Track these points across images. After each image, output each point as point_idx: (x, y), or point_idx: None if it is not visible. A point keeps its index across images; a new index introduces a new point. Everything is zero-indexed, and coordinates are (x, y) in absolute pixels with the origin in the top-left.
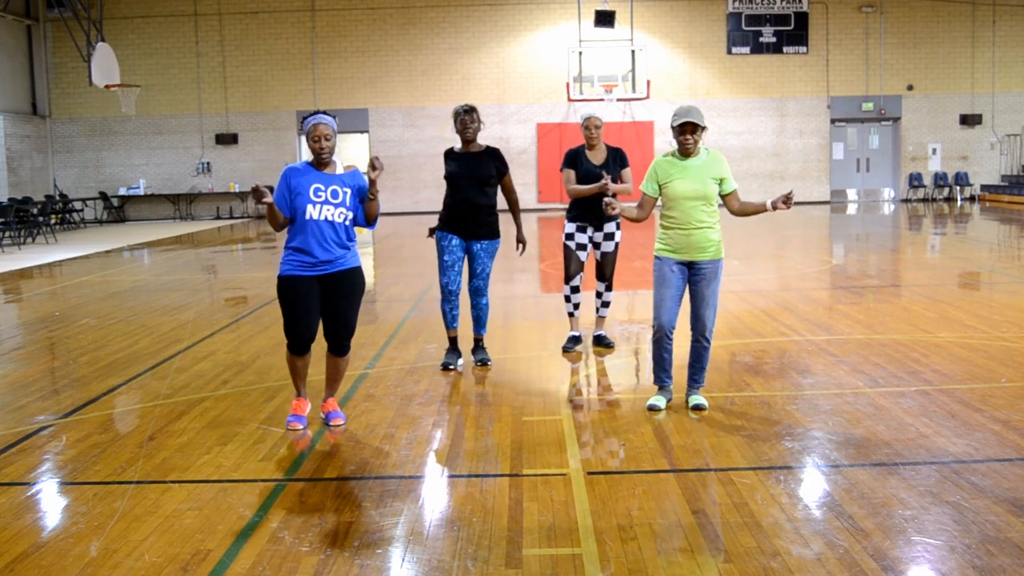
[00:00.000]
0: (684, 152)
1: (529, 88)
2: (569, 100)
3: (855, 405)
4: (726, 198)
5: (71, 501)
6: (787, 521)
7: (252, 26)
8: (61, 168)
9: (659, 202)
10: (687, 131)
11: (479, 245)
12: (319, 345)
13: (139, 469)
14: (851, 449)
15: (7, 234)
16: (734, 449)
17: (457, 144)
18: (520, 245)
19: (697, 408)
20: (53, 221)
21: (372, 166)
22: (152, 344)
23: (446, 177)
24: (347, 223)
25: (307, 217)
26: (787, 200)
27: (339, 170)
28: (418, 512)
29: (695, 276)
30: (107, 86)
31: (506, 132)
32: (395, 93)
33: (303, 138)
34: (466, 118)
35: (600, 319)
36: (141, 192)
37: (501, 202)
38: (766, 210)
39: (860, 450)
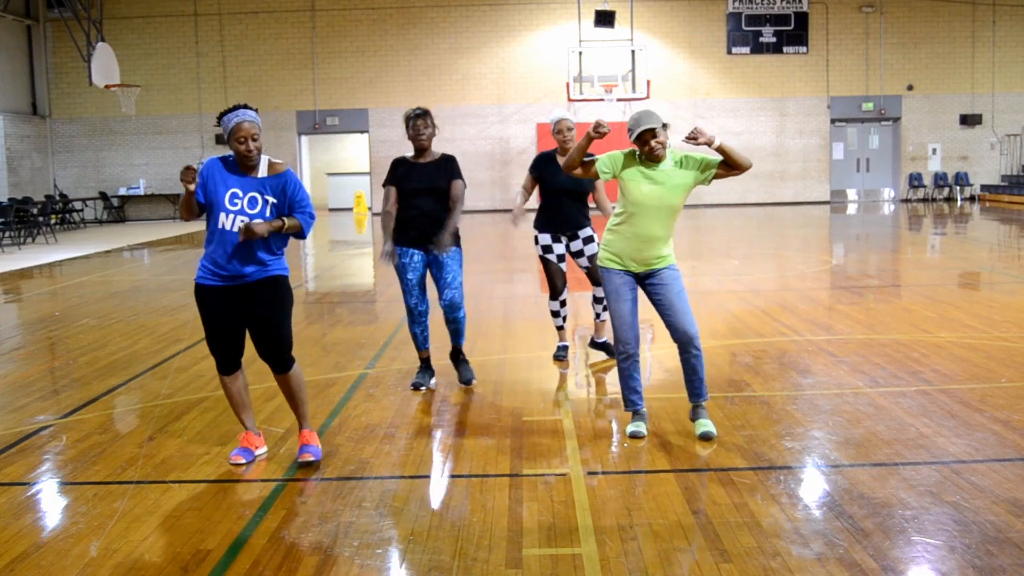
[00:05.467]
0: (653, 159)
1: (529, 88)
2: (569, 100)
3: (855, 405)
4: (721, 168)
5: (71, 501)
6: (787, 521)
7: (252, 26)
8: (61, 168)
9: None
10: (647, 139)
11: (446, 254)
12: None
13: (139, 469)
14: (851, 449)
15: (7, 234)
16: (734, 449)
17: (409, 152)
18: (438, 244)
19: (706, 437)
20: (53, 221)
21: (248, 235)
22: (152, 344)
23: (392, 185)
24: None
25: (219, 226)
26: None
27: (263, 171)
28: (418, 512)
29: (653, 286)
30: (107, 86)
31: (506, 132)
32: (395, 93)
33: (302, 138)
34: (419, 123)
35: (601, 323)
36: (141, 192)
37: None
38: (723, 147)
39: (860, 450)
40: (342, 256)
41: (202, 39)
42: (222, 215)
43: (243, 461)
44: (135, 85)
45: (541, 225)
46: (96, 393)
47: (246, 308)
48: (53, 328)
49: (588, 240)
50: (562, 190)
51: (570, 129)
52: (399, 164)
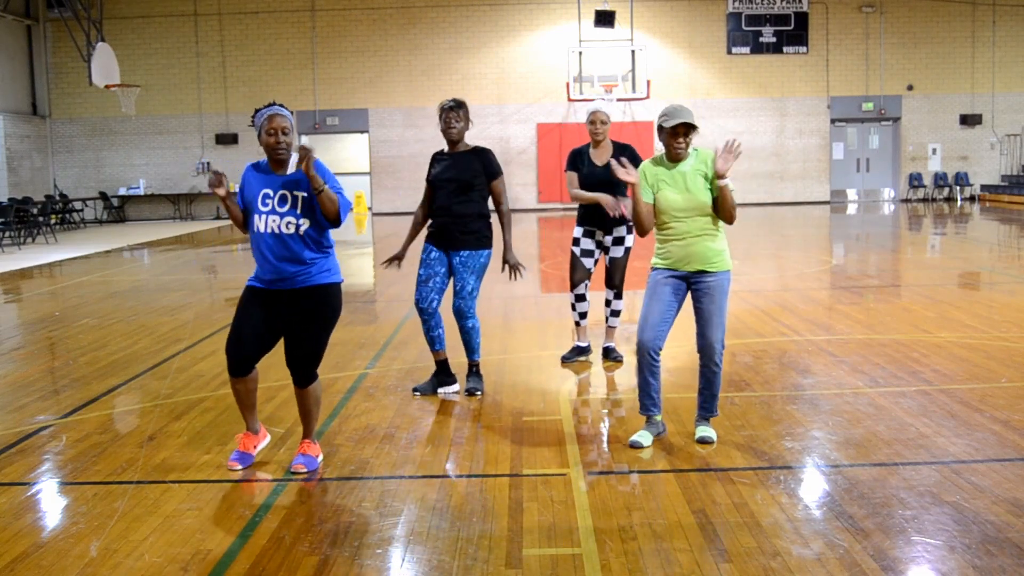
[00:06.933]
0: (673, 157)
1: (529, 88)
2: (569, 100)
3: (855, 405)
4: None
5: (71, 501)
6: (787, 521)
7: (252, 26)
8: (61, 168)
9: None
10: (680, 133)
11: (459, 257)
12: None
13: (139, 469)
14: (851, 449)
15: (7, 234)
16: (734, 449)
17: (446, 146)
18: (508, 268)
19: (703, 441)
20: (53, 221)
21: (300, 157)
22: (152, 344)
23: (428, 181)
24: (301, 233)
25: (255, 229)
26: (728, 152)
27: (291, 168)
28: (418, 512)
29: (697, 291)
30: (107, 86)
31: (506, 132)
32: (395, 93)
33: (303, 138)
34: (451, 115)
35: (610, 329)
36: (141, 192)
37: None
38: (725, 188)
39: (860, 450)
40: (342, 256)
41: (202, 39)
42: (255, 217)
43: (239, 467)
44: (135, 85)
45: (579, 218)
46: (96, 393)
47: (285, 313)
48: (53, 328)
49: (618, 241)
50: (596, 185)
51: (604, 123)
52: (434, 158)
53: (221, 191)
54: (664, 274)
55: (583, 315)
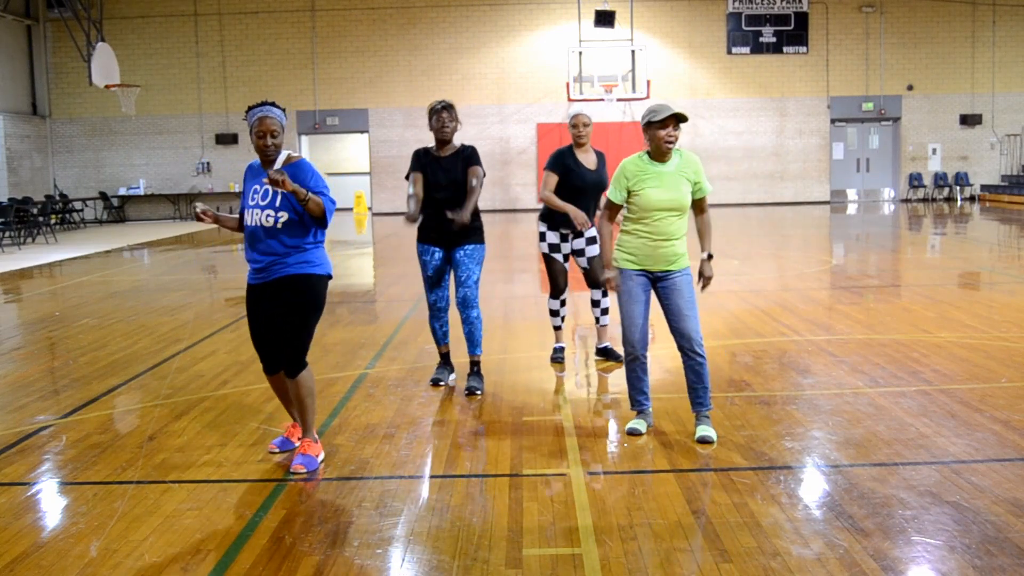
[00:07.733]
0: (662, 152)
1: (529, 88)
2: (569, 100)
3: (855, 405)
4: (697, 202)
5: (71, 501)
6: (787, 521)
7: (252, 26)
8: (61, 168)
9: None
10: (669, 124)
11: (463, 251)
12: None
13: (139, 469)
14: (851, 449)
15: (7, 234)
16: (734, 449)
17: (431, 144)
18: (455, 220)
19: (703, 441)
20: (53, 221)
21: (272, 182)
22: (152, 344)
23: (417, 171)
24: (279, 226)
25: (246, 222)
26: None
27: (278, 165)
28: (418, 512)
29: (665, 289)
30: (107, 86)
31: (506, 132)
32: (395, 93)
33: (303, 138)
34: (444, 115)
35: (602, 329)
36: (141, 192)
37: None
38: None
39: (860, 450)
40: (342, 256)
41: (202, 39)
42: (245, 212)
43: (277, 451)
44: (135, 85)
45: (552, 223)
46: (96, 393)
47: (267, 307)
48: (53, 328)
49: (591, 240)
50: (585, 188)
51: (586, 125)
52: (422, 154)
53: (209, 220)
54: (632, 274)
55: (563, 318)
